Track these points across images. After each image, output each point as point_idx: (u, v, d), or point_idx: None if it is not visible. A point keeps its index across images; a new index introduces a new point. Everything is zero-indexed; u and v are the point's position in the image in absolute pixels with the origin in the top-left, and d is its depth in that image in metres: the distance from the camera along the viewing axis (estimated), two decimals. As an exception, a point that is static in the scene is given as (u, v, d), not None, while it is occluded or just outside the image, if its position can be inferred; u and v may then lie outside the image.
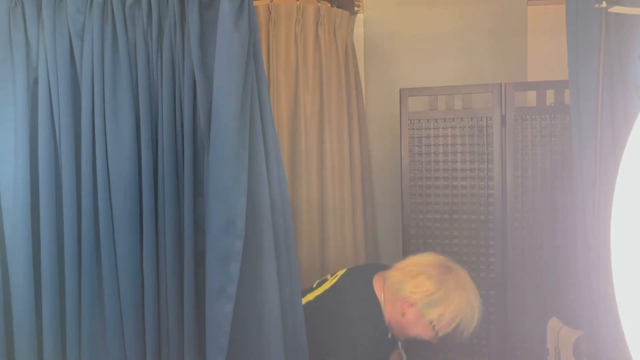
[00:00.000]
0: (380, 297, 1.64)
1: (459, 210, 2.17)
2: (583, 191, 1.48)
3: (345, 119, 2.39)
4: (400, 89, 2.20)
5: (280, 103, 2.32)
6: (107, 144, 1.35)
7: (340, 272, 1.78)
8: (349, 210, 2.41)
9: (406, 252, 2.21)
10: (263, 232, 1.15)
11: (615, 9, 1.40)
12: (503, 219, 2.11)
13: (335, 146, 2.37)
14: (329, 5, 2.40)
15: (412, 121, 2.19)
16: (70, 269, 1.37)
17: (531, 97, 2.18)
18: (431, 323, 1.56)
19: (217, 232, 1.14)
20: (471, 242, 2.16)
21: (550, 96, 2.07)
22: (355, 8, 2.60)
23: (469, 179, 2.16)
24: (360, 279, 1.72)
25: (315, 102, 2.34)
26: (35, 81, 1.36)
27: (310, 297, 1.70)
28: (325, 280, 1.79)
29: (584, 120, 1.49)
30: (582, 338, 1.60)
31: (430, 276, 1.60)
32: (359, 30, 2.66)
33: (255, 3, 1.55)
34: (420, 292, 1.58)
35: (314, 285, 1.78)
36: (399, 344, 1.67)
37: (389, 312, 1.62)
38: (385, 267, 1.79)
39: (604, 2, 1.40)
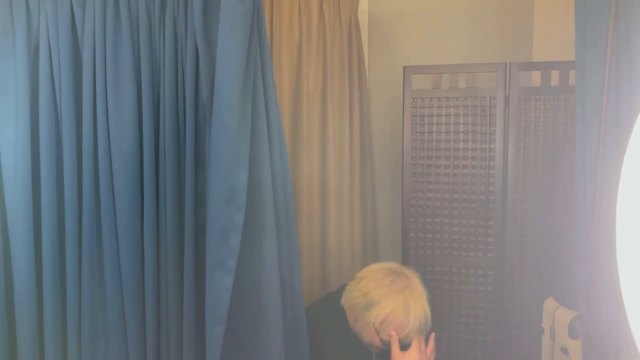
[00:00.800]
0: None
1: (459, 190, 2.17)
2: (585, 173, 1.48)
3: (348, 95, 2.38)
4: (404, 67, 2.18)
5: (282, 77, 2.30)
6: (108, 115, 1.34)
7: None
8: (347, 188, 2.41)
9: (405, 231, 2.22)
10: (264, 206, 1.15)
11: (625, -12, 1.37)
12: (503, 200, 2.12)
13: (337, 123, 2.36)
14: (334, -21, 2.37)
15: (415, 99, 2.17)
16: (70, 236, 1.37)
17: (536, 77, 2.17)
18: (373, 325, 1.54)
19: (217, 205, 1.14)
20: (470, 222, 2.17)
21: (555, 77, 2.06)
22: (360, -17, 2.56)
23: (471, 158, 2.15)
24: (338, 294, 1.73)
25: (318, 77, 2.32)
26: (36, 50, 1.34)
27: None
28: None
29: (589, 102, 1.48)
30: (577, 318, 1.62)
31: (373, 279, 1.60)
32: (363, 6, 2.62)
33: (259, -26, 1.52)
34: (360, 295, 1.58)
35: None
36: (373, 356, 1.67)
37: (350, 321, 1.64)
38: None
39: (614, -18, 1.37)
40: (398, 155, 2.28)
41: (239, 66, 1.12)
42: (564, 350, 1.66)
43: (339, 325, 1.61)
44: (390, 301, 1.52)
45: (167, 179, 1.34)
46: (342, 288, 1.75)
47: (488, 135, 2.12)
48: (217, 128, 1.13)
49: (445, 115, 2.16)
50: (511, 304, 2.13)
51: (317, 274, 2.45)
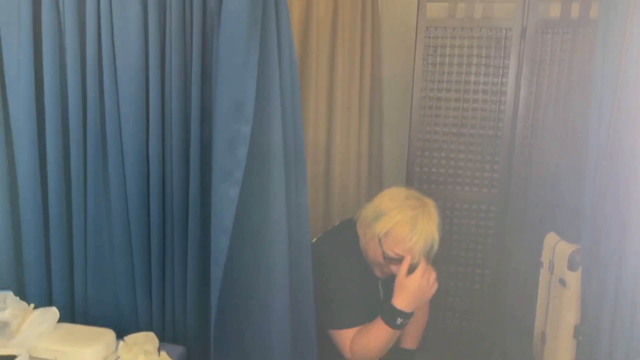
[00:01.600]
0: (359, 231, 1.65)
1: (468, 124, 2.15)
2: (601, 106, 1.44)
3: (359, 23, 2.30)
4: (419, -6, 2.10)
5: (292, 3, 2.22)
6: (112, 24, 1.29)
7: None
8: (355, 120, 2.39)
9: (411, 165, 2.21)
10: (272, 118, 1.13)
11: None
12: (512, 135, 2.09)
13: (347, 53, 2.30)
14: None
15: (429, 29, 2.11)
16: (75, 155, 1.36)
17: (555, 9, 2.08)
18: (378, 236, 1.53)
19: (225, 115, 1.12)
20: (477, 158, 2.16)
21: (575, 9, 1.98)
22: None
23: (482, 92, 2.11)
24: (347, 223, 1.72)
25: (329, 3, 2.24)
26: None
27: None
28: None
29: (611, 37, 1.43)
30: (578, 251, 1.63)
31: (389, 195, 1.59)
32: None
33: None
34: (373, 208, 1.57)
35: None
36: (379, 282, 1.67)
37: (360, 236, 1.63)
38: None
39: None
40: (408, 88, 2.23)
41: (249, -31, 1.07)
42: (562, 282, 1.68)
43: (342, 257, 1.62)
44: (399, 213, 1.51)
45: (174, 93, 1.31)
46: (343, 223, 1.76)
47: (501, 69, 2.06)
48: (225, 34, 1.09)
49: (459, 46, 2.10)
50: (511, 239, 2.15)
51: (320, 207, 2.47)
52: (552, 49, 1.99)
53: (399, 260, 1.51)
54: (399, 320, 1.47)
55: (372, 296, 1.60)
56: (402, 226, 1.49)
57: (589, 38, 1.95)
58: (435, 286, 1.51)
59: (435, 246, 1.54)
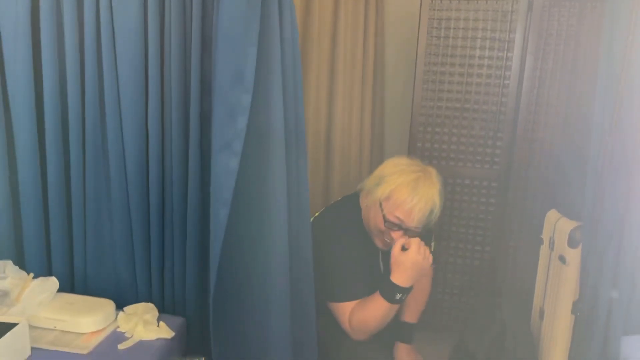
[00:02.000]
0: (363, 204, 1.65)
1: (472, 100, 2.12)
2: (608, 83, 1.42)
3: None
4: (424, -36, 2.05)
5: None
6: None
7: None
8: (357, 94, 2.36)
9: (412, 141, 2.19)
10: (272, 88, 1.11)
11: None
12: (515, 111, 2.07)
13: (350, 26, 2.26)
14: None
15: (434, 1, 2.06)
16: (73, 125, 1.34)
17: (564, -19, 2.03)
18: (379, 202, 1.54)
19: (224, 84, 1.10)
20: (479, 133, 2.14)
21: (584, -18, 1.94)
22: None
23: (486, 67, 2.08)
24: (349, 197, 1.73)
25: (331, -26, 2.20)
26: None
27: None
28: None
29: (619, 11, 1.39)
30: (578, 228, 1.62)
31: (392, 162, 1.60)
32: None
33: None
34: (375, 175, 1.59)
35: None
36: (380, 256, 1.67)
37: (362, 207, 1.64)
38: None
39: None
40: (411, 62, 2.20)
41: None
42: (562, 259, 1.68)
43: (344, 230, 1.62)
44: (400, 177, 1.52)
45: (173, 61, 1.28)
46: (345, 197, 1.75)
47: (507, 43, 2.02)
48: (225, 1, 1.06)
49: (464, 19, 2.06)
50: (512, 216, 2.14)
51: (320, 181, 2.46)
52: (559, 22, 1.95)
53: (400, 226, 1.51)
54: (398, 296, 1.48)
55: (372, 270, 1.61)
56: (402, 188, 1.50)
57: (597, 12, 1.91)
58: (431, 258, 1.52)
59: (436, 212, 1.55)
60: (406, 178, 1.51)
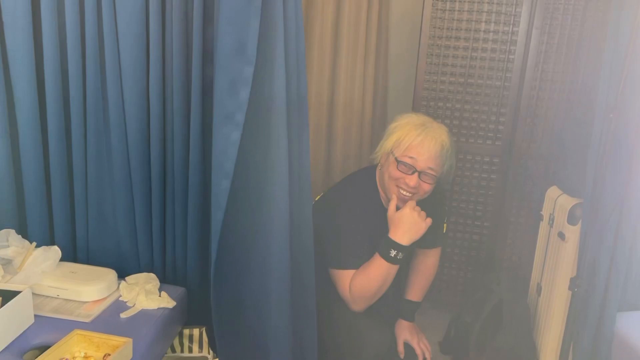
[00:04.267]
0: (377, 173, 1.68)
1: (475, 74, 2.10)
2: (613, 59, 1.40)
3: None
4: None
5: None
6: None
7: None
8: (360, 67, 2.34)
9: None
10: (275, 60, 1.10)
11: None
12: (519, 87, 2.05)
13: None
14: None
15: (440, -28, 2.02)
16: (74, 93, 1.33)
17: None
18: (391, 150, 1.58)
19: (226, 56, 1.09)
20: (482, 109, 2.12)
21: (594, -45, 1.90)
22: None
23: (491, 41, 2.05)
24: (360, 170, 1.78)
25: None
26: None
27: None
28: None
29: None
30: (579, 205, 1.63)
31: (402, 117, 1.65)
32: None
33: None
34: (387, 132, 1.64)
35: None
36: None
37: (377, 177, 1.67)
38: None
39: None
40: (415, 36, 2.17)
41: None
42: (561, 235, 1.69)
43: (351, 201, 1.64)
44: (408, 123, 1.58)
45: (174, 33, 1.27)
46: (357, 171, 1.79)
47: (512, 17, 1.99)
48: (228, -30, 1.04)
49: (470, -8, 2.02)
50: (512, 192, 2.15)
51: (322, 154, 2.45)
52: (567, -4, 1.92)
53: (413, 168, 1.53)
54: (393, 252, 1.50)
55: (376, 242, 1.62)
56: (411, 130, 1.56)
57: (606, -14, 1.87)
58: (429, 221, 1.54)
59: (448, 151, 1.58)
60: (414, 123, 1.58)
